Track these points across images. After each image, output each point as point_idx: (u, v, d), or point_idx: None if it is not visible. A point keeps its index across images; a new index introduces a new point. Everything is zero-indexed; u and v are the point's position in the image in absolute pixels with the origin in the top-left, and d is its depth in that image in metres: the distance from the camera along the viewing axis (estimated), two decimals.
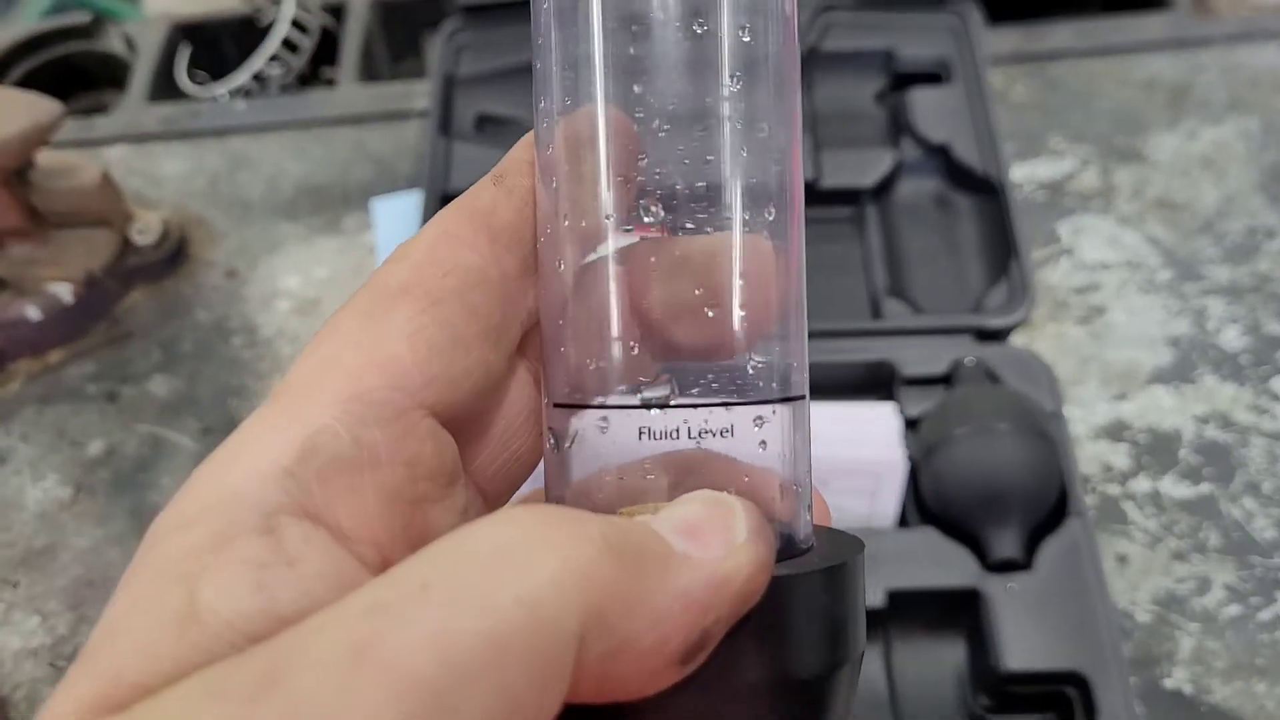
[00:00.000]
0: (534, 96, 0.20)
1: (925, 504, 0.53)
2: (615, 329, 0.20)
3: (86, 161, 0.62)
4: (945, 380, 0.56)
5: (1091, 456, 0.58)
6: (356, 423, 0.18)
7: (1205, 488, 0.57)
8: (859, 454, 0.52)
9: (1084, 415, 0.59)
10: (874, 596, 0.50)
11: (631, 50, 0.19)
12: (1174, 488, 0.57)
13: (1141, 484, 0.57)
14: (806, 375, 0.21)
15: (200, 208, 0.69)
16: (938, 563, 0.51)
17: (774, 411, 0.20)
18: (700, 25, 0.19)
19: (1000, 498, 0.51)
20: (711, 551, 0.17)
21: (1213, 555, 0.55)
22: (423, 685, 0.14)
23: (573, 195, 0.20)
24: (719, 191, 0.20)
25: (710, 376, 0.20)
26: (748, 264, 0.20)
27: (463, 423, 0.20)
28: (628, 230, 0.19)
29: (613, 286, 0.20)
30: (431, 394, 0.19)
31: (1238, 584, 0.54)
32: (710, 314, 0.20)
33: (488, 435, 0.21)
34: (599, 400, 0.20)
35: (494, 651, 0.15)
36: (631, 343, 0.20)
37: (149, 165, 0.71)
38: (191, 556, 0.17)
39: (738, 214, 0.20)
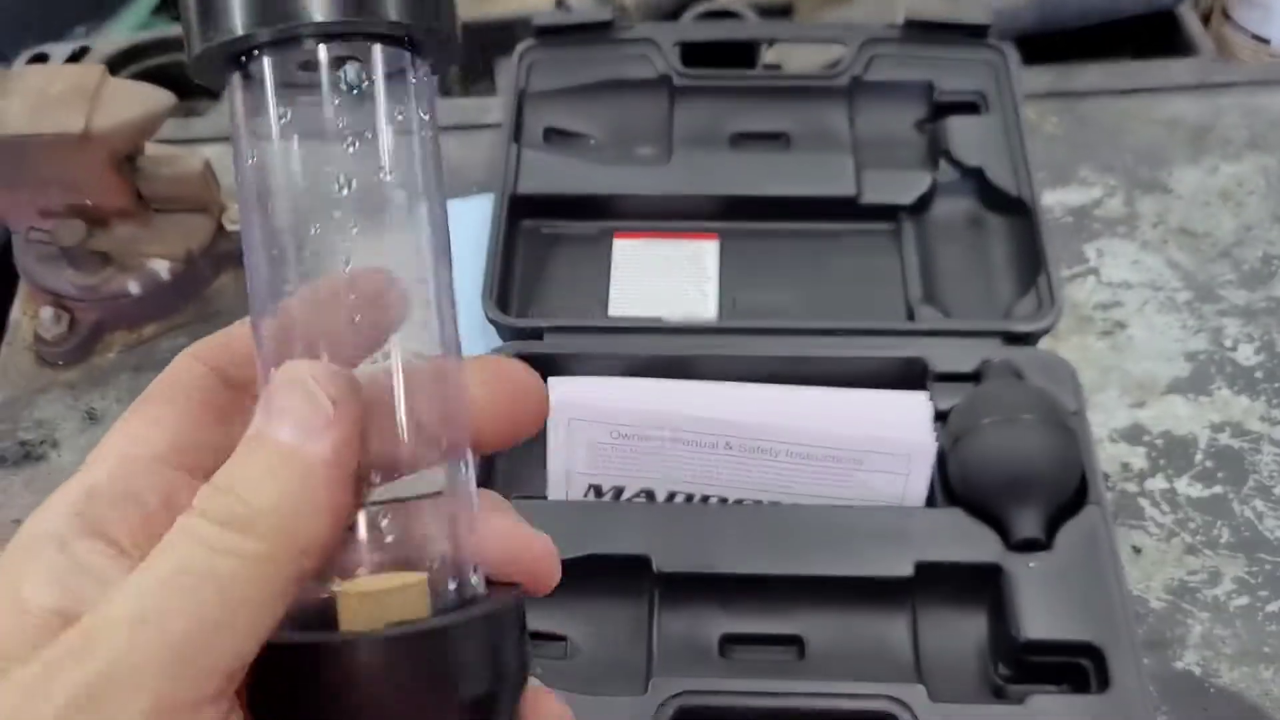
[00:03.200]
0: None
1: (952, 488, 0.57)
2: None
3: (188, 153, 0.67)
4: (974, 378, 0.60)
5: (1111, 457, 0.62)
6: (124, 475, 0.25)
7: (1219, 489, 0.60)
8: (892, 435, 0.56)
9: (1104, 420, 0.63)
10: (903, 567, 0.54)
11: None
12: (1189, 488, 0.60)
13: (1158, 483, 0.61)
14: (473, 474, 0.27)
15: None
16: (963, 540, 0.55)
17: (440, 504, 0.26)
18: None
19: (1023, 482, 0.55)
20: None
21: (1224, 551, 0.58)
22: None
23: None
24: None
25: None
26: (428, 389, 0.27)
27: None
28: None
29: None
30: (188, 459, 0.26)
31: (1247, 578, 0.57)
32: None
33: None
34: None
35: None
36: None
37: None
38: (10, 566, 0.24)
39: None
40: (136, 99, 0.62)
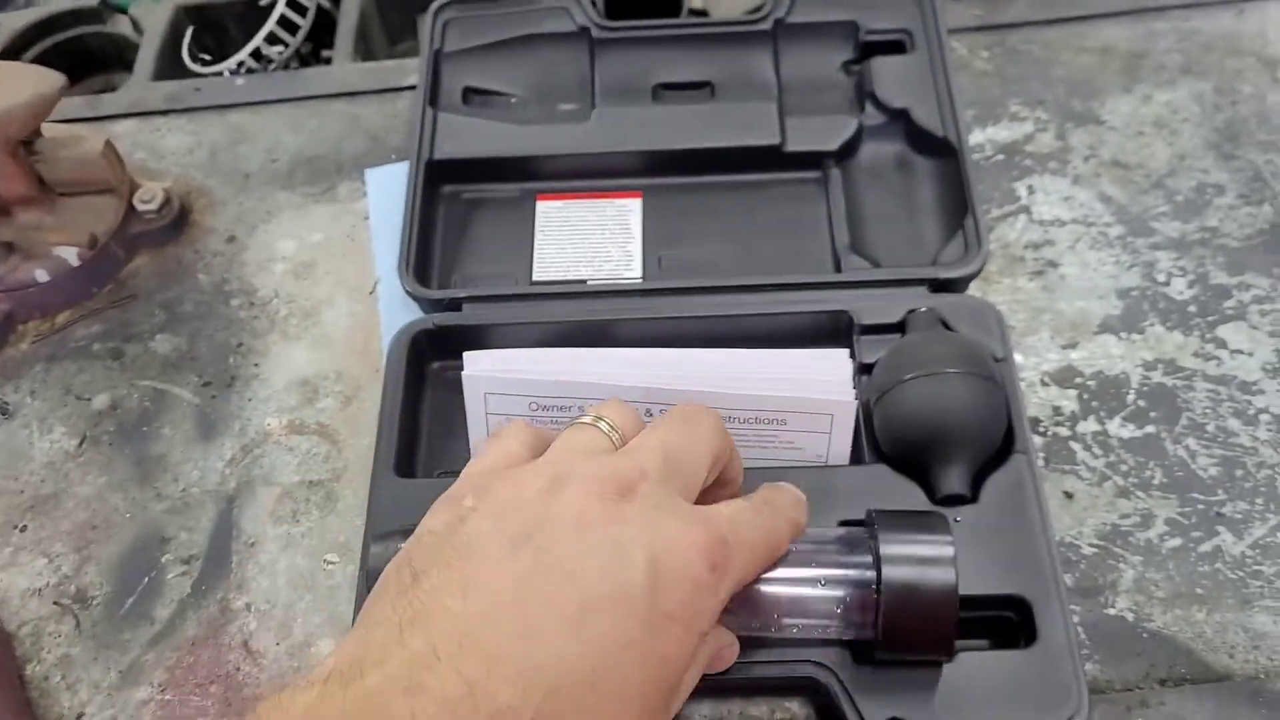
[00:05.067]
0: None
1: (877, 444, 0.56)
2: None
3: (90, 133, 0.66)
4: (900, 328, 0.59)
5: (1043, 401, 0.61)
6: None
7: (1151, 429, 0.59)
8: (813, 395, 0.55)
9: (1036, 363, 0.62)
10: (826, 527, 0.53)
11: None
12: (1121, 429, 0.59)
13: (1090, 425, 0.60)
14: None
15: (202, 178, 0.72)
16: (888, 497, 0.54)
17: None
18: None
19: (947, 437, 0.53)
20: None
21: (1156, 492, 0.57)
22: None
23: None
24: None
25: None
26: None
27: None
28: None
29: None
30: None
31: (1180, 519, 0.57)
32: None
33: None
34: None
35: None
36: None
37: (153, 139, 0.75)
38: None
39: None
40: (24, 82, 0.60)
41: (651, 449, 0.41)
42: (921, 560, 0.45)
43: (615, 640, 0.35)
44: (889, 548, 0.45)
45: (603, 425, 0.43)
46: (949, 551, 0.45)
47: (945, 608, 0.45)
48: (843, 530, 0.49)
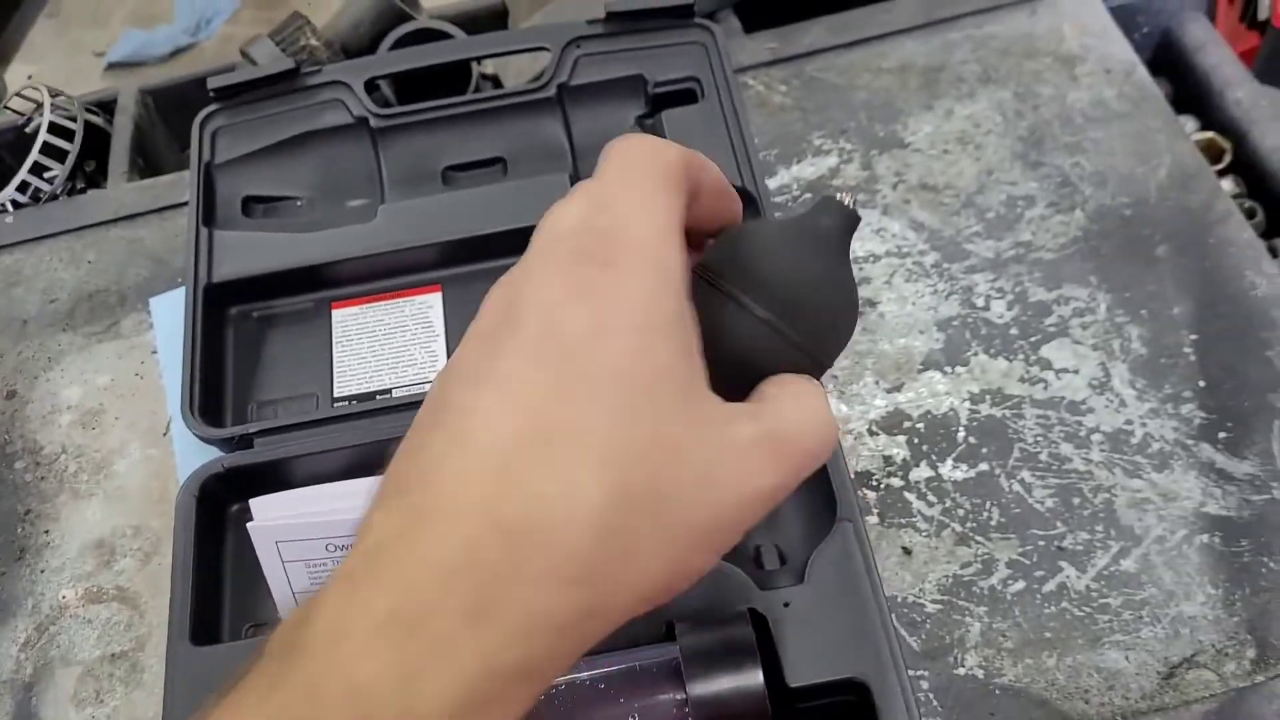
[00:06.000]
0: None
1: None
2: None
3: None
4: None
5: (873, 452, 0.58)
6: None
7: (984, 466, 0.57)
8: None
9: (863, 412, 0.59)
10: (655, 629, 0.50)
11: None
12: (953, 471, 0.57)
13: (922, 472, 0.57)
14: None
15: None
16: (716, 589, 0.51)
17: None
18: None
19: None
20: None
21: (995, 535, 0.55)
22: None
23: None
24: None
25: None
26: None
27: None
28: None
29: None
30: None
31: (1021, 559, 0.54)
32: None
33: None
34: None
35: None
36: None
37: None
38: None
39: None
40: None
41: None
42: (725, 669, 0.45)
43: None
44: (692, 666, 0.45)
45: None
46: (753, 657, 0.45)
47: (754, 711, 0.44)
48: (651, 651, 0.47)
